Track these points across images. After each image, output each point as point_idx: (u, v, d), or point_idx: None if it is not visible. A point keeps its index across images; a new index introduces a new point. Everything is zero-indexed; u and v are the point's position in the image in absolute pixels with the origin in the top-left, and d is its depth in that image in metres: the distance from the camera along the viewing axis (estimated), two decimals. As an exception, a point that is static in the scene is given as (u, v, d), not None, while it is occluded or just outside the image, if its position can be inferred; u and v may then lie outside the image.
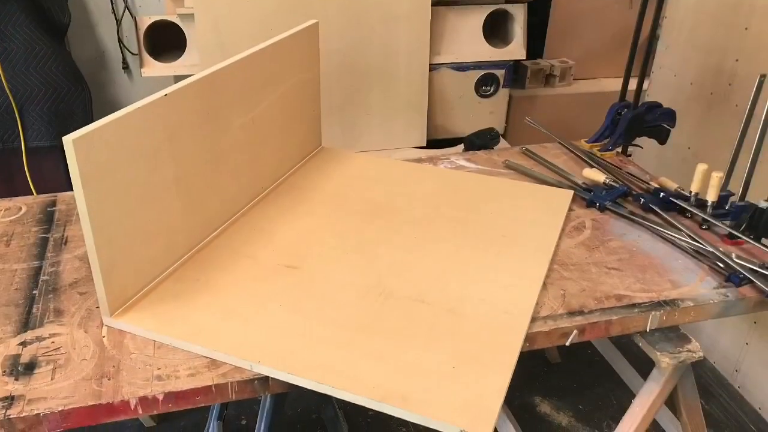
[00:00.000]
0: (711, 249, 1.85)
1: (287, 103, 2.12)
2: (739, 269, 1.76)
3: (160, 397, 1.42)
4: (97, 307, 1.65)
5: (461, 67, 3.60)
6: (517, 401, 2.83)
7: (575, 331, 1.62)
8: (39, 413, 1.37)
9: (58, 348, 1.53)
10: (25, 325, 1.60)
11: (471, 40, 3.59)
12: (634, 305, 1.68)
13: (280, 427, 2.46)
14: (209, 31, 3.15)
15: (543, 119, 2.62)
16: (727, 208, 2.01)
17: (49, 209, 2.06)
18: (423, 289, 1.69)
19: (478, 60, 3.62)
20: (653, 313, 1.67)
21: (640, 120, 2.39)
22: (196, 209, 1.78)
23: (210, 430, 2.47)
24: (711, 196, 2.00)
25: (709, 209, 2.01)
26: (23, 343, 1.54)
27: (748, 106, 1.95)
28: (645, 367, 1.87)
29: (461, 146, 3.50)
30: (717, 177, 1.98)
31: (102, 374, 1.46)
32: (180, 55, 3.37)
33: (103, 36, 3.74)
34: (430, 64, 3.50)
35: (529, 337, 1.58)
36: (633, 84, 2.48)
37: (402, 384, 1.40)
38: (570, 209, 2.10)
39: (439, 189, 2.15)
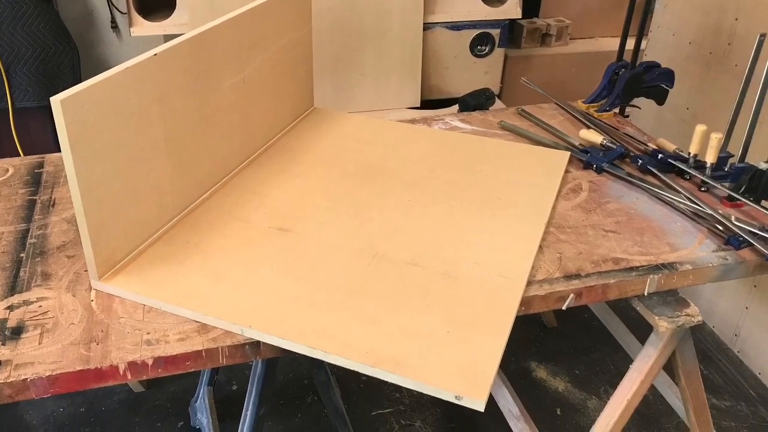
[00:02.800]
0: (710, 211, 1.82)
1: (279, 63, 2.08)
2: (739, 232, 1.74)
3: (150, 362, 1.40)
4: (86, 271, 1.62)
5: (456, 26, 3.55)
6: (512, 366, 2.82)
7: (572, 295, 1.59)
8: (26, 378, 1.35)
9: (46, 312, 1.50)
10: (12, 288, 1.57)
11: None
12: (631, 269, 1.66)
13: (272, 393, 2.44)
14: (200, -11, 3.10)
15: (539, 79, 2.59)
16: (726, 169, 1.98)
17: (36, 171, 2.03)
18: (417, 252, 1.66)
19: (473, 19, 3.57)
20: (651, 276, 1.64)
21: (638, 80, 2.36)
22: (186, 171, 1.75)
23: (200, 395, 2.45)
24: (710, 158, 1.97)
25: (708, 171, 1.98)
26: (10, 307, 1.52)
27: (748, 66, 1.92)
28: (643, 331, 1.85)
29: (456, 107, 3.46)
30: (716, 138, 1.95)
31: (90, 339, 1.43)
32: (170, 15, 3.32)
33: None
34: (424, 23, 3.45)
35: (525, 301, 1.56)
36: (631, 43, 2.44)
37: (395, 349, 1.38)
38: (566, 171, 2.07)
39: (433, 150, 2.12)
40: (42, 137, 3.23)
